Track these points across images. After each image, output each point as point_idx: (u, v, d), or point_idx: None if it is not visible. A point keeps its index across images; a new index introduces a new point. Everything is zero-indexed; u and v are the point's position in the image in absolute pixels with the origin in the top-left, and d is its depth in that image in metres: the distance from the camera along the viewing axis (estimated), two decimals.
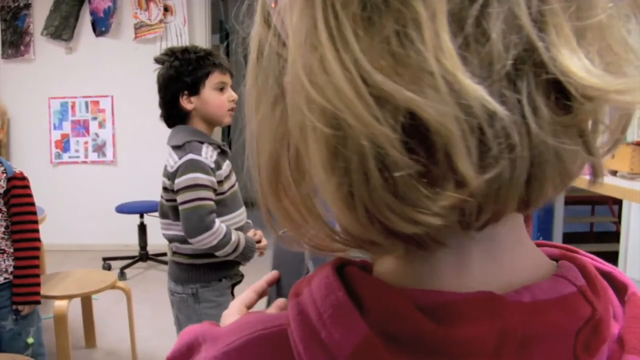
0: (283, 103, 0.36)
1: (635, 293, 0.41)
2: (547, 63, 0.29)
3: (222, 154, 1.97)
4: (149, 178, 5.08)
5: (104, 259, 4.63)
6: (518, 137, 0.29)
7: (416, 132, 0.29)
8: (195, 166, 1.83)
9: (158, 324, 3.52)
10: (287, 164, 0.37)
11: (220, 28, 6.65)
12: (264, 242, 2.09)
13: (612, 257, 4.40)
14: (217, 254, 1.89)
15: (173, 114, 1.95)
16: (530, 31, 0.29)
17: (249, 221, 2.13)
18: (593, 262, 0.42)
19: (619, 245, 4.56)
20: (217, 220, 1.87)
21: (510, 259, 0.38)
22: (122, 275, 4.32)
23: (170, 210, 1.93)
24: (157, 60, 1.96)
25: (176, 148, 1.88)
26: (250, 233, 2.07)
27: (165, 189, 1.92)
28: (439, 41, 0.28)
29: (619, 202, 4.69)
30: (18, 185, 2.16)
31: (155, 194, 4.69)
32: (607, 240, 4.81)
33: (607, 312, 0.38)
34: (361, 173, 0.30)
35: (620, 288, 0.41)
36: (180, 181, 1.83)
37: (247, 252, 1.96)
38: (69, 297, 2.69)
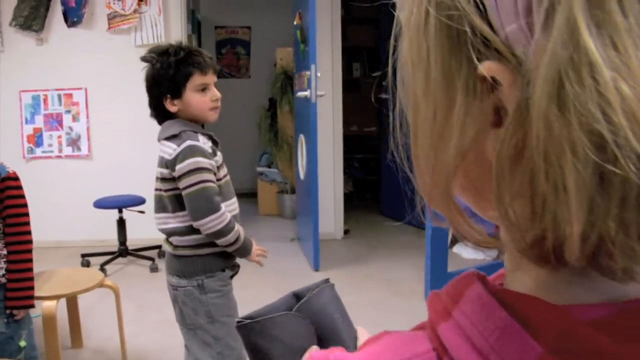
0: (488, 98, 0.34)
1: None
2: None
3: (214, 144, 2.00)
4: (126, 172, 5.01)
5: (83, 256, 4.52)
6: None
7: None
8: (195, 151, 1.86)
9: (144, 320, 3.46)
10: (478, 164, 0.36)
11: (193, 18, 6.55)
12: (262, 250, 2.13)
13: None
14: (219, 241, 1.90)
15: (160, 114, 1.98)
16: None
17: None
18: None
19: None
20: (223, 206, 1.89)
21: None
22: (102, 272, 4.22)
23: (170, 202, 1.93)
24: (143, 59, 1.98)
25: (172, 138, 1.90)
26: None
27: (163, 179, 1.93)
28: None
29: None
30: (12, 186, 2.09)
31: (133, 188, 4.68)
32: None
33: None
34: (620, 200, 0.29)
35: None
36: (182, 166, 1.85)
37: (245, 246, 1.98)
38: (57, 297, 2.61)
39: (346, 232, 5.63)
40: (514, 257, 0.40)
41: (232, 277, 2.06)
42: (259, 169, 6.55)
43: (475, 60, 0.33)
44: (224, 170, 2.00)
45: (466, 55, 0.34)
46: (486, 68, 0.33)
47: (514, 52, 0.32)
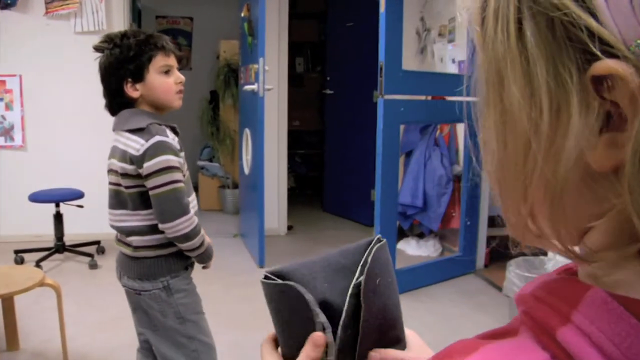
0: (601, 102, 0.33)
1: None
2: None
3: (176, 136, 1.90)
4: (64, 164, 4.81)
5: (16, 252, 4.29)
6: None
7: None
8: (165, 148, 1.75)
9: (85, 320, 3.32)
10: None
11: (133, 6, 6.34)
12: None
13: None
14: (183, 245, 1.81)
15: (119, 103, 1.84)
16: None
17: None
18: None
19: None
20: (191, 208, 1.80)
21: None
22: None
23: (131, 199, 1.80)
24: (96, 49, 1.84)
25: (138, 131, 1.76)
26: None
27: (125, 175, 1.78)
28: None
29: None
30: None
31: (71, 181, 4.48)
32: None
33: None
34: None
35: None
36: (151, 164, 1.72)
37: (208, 252, 1.90)
38: None
39: (290, 227, 5.58)
40: (616, 258, 0.38)
41: None
42: (200, 163, 6.42)
43: (602, 56, 0.33)
44: (185, 165, 1.90)
45: (576, 58, 0.34)
46: (610, 66, 0.32)
47: (630, 50, 0.32)
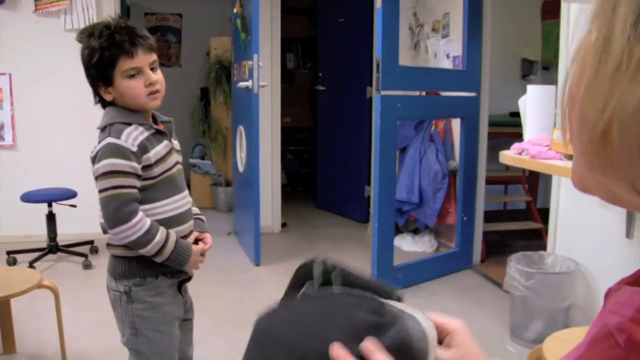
0: None
1: None
2: None
3: (159, 134, 1.76)
4: (56, 163, 4.75)
5: (8, 253, 4.23)
6: None
7: None
8: (113, 151, 1.65)
9: (82, 322, 3.27)
10: None
11: (122, 3, 6.27)
12: (209, 244, 1.90)
13: (527, 235, 4.58)
14: (140, 252, 1.70)
15: (102, 101, 1.76)
16: None
17: (202, 218, 1.95)
18: None
19: (530, 223, 4.76)
20: (141, 213, 1.67)
21: None
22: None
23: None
24: (78, 41, 1.73)
25: (100, 131, 1.71)
26: (192, 237, 1.85)
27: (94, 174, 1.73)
28: None
29: (529, 182, 4.89)
30: None
31: (64, 181, 4.41)
32: (518, 218, 5.00)
33: None
34: None
35: None
36: (97, 167, 1.66)
37: (176, 258, 1.74)
38: None
39: (284, 225, 5.55)
40: None
41: (181, 284, 1.87)
42: (192, 161, 6.36)
43: None
44: (165, 165, 1.75)
45: None
46: None
47: None
